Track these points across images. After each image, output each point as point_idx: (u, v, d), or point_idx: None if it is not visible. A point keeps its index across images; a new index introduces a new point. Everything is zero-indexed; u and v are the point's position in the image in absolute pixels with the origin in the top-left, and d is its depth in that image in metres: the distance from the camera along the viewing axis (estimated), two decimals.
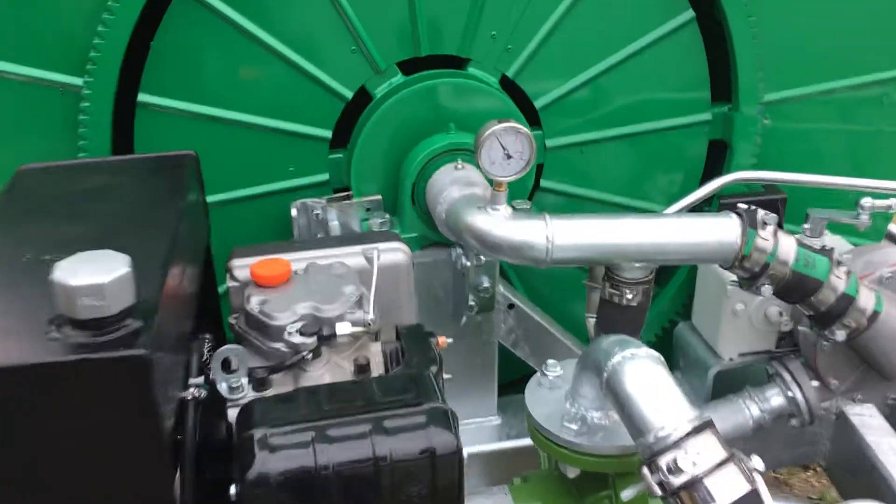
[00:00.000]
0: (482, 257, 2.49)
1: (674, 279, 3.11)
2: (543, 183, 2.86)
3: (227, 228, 2.60)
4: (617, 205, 2.95)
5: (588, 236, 2.20)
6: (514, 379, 2.86)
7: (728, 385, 2.72)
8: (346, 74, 2.56)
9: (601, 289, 2.37)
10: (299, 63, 2.49)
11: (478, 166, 2.16)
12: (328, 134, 2.62)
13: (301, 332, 1.75)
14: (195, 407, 1.63)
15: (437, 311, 2.66)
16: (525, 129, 2.14)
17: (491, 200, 2.20)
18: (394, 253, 2.07)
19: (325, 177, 2.68)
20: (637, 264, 2.29)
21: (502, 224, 2.18)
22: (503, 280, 2.76)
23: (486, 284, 2.61)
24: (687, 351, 2.96)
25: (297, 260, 1.99)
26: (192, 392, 1.62)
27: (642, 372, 1.77)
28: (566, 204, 2.89)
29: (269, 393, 1.72)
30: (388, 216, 2.58)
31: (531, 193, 2.81)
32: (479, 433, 2.86)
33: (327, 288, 1.87)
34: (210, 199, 2.53)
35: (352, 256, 2.03)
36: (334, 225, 2.61)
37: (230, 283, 1.96)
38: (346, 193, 2.65)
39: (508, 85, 2.71)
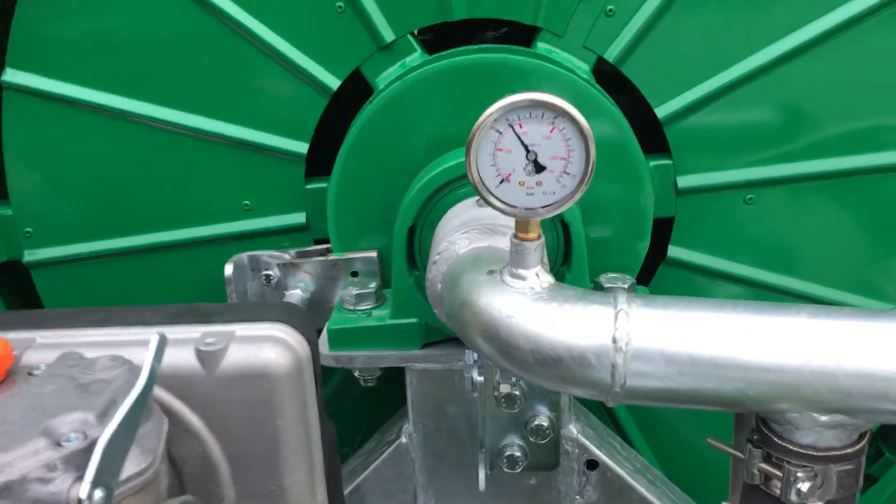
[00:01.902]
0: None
1: None
2: (673, 251, 1.66)
3: (146, 290, 1.67)
4: (817, 299, 1.67)
5: (707, 344, 1.03)
6: None
7: None
8: (331, 51, 1.56)
9: (746, 460, 1.13)
10: (252, 29, 1.53)
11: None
12: (303, 148, 1.62)
13: None
14: None
15: (455, 461, 1.52)
16: (575, 112, 1.02)
17: (512, 261, 1.09)
18: (261, 345, 1.00)
19: (299, 218, 1.67)
20: (823, 417, 1.05)
21: (526, 307, 1.07)
22: (580, 410, 1.56)
23: (543, 421, 1.44)
24: None
25: (56, 346, 0.98)
26: None
27: None
28: (717, 292, 1.67)
29: None
30: (374, 285, 1.51)
31: (647, 266, 1.62)
32: None
33: (34, 412, 0.83)
34: (116, 244, 1.64)
35: (170, 347, 0.97)
36: (295, 295, 1.58)
37: None
38: (323, 247, 1.63)
39: (608, 76, 1.58)
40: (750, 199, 1.62)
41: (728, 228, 1.64)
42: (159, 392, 0.97)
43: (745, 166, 1.60)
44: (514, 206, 1.07)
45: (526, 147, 1.04)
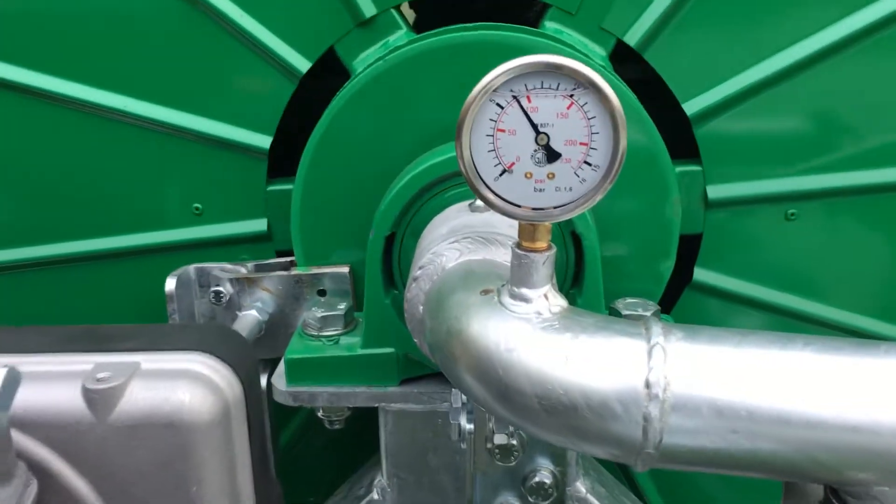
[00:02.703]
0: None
1: None
2: (700, 274, 1.41)
3: (77, 308, 1.42)
4: (875, 336, 1.43)
5: (772, 393, 0.78)
6: None
7: None
8: (300, 27, 1.32)
9: None
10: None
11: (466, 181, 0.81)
12: (265, 142, 1.38)
13: None
14: None
15: None
16: (602, 83, 0.77)
17: (513, 278, 0.83)
18: (173, 383, 0.74)
19: (259, 225, 1.42)
20: None
21: (532, 338, 0.82)
22: (589, 464, 1.30)
23: (546, 477, 1.18)
24: None
25: None
26: None
27: None
28: (741, 321, 1.42)
29: None
30: (343, 306, 1.25)
31: (669, 293, 1.37)
32: None
33: None
34: (43, 252, 1.39)
35: (50, 383, 0.72)
36: (250, 316, 1.32)
37: None
38: (286, 259, 1.37)
39: (630, 63, 1.34)
40: (793, 214, 1.37)
41: (766, 249, 1.39)
42: (29, 445, 0.70)
43: (787, 175, 1.36)
44: (519, 206, 0.82)
45: (536, 127, 0.79)
